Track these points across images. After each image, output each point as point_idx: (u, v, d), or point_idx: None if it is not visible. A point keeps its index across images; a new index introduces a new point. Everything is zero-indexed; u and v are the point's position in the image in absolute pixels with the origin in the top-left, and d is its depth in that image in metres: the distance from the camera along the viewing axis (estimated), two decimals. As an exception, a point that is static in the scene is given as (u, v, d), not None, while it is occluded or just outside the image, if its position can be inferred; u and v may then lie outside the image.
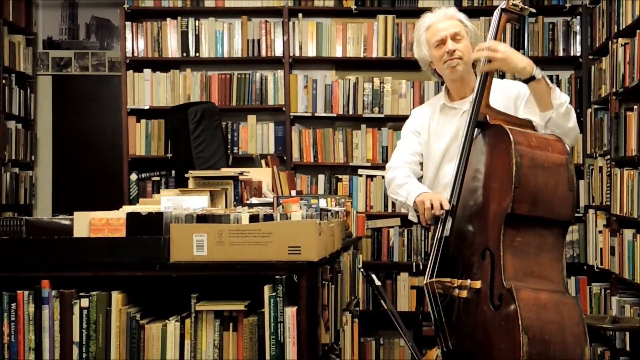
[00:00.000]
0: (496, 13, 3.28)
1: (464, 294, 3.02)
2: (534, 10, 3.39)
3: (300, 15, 6.45)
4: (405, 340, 3.29)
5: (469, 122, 3.17)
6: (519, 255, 2.93)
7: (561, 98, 3.18)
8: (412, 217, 3.46)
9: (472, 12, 5.55)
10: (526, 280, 2.90)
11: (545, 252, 2.98)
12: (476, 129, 3.16)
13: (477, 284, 2.98)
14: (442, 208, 3.15)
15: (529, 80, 3.17)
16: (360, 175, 6.43)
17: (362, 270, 3.66)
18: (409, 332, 3.42)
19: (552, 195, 2.97)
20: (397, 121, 6.50)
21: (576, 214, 6.24)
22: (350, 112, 6.44)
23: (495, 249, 2.93)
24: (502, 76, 5.15)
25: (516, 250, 2.93)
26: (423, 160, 3.58)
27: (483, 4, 6.37)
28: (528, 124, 3.19)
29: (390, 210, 6.40)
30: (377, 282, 3.36)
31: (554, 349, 2.81)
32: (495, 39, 3.23)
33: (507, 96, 3.39)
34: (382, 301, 3.40)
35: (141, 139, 6.48)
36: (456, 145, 3.33)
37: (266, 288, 2.94)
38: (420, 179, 3.59)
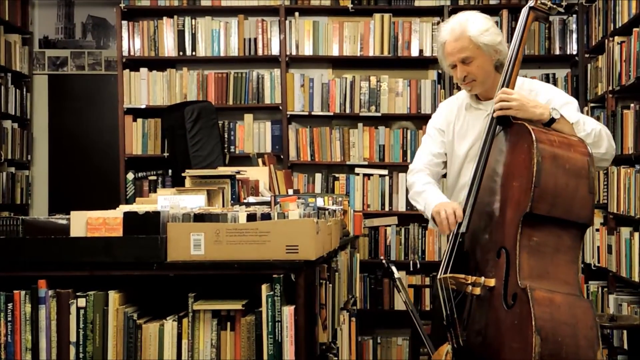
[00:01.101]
0: (524, 11, 3.23)
1: (477, 291, 3.01)
2: (562, 10, 3.35)
3: (296, 14, 6.45)
4: (423, 336, 3.28)
5: (490, 119, 3.14)
6: (535, 255, 2.91)
7: (586, 128, 3.12)
8: (432, 225, 3.46)
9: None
10: (541, 281, 2.88)
11: (562, 253, 2.95)
12: (498, 127, 3.13)
13: (492, 282, 2.96)
14: (456, 218, 3.14)
15: (549, 122, 3.11)
16: (357, 174, 6.43)
17: (384, 261, 3.64)
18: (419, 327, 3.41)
19: (572, 197, 2.94)
20: (394, 120, 6.51)
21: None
22: (347, 110, 6.44)
23: (512, 247, 2.91)
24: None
25: (532, 250, 2.91)
26: (447, 159, 3.56)
27: (479, 3, 6.37)
28: None
29: (387, 208, 6.40)
30: (397, 275, 3.35)
31: (567, 351, 2.79)
32: (522, 37, 3.18)
33: (531, 96, 3.33)
34: (400, 294, 3.40)
35: (138, 138, 6.48)
36: (479, 145, 3.27)
37: (264, 287, 2.94)
38: (445, 176, 3.60)
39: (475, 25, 3.32)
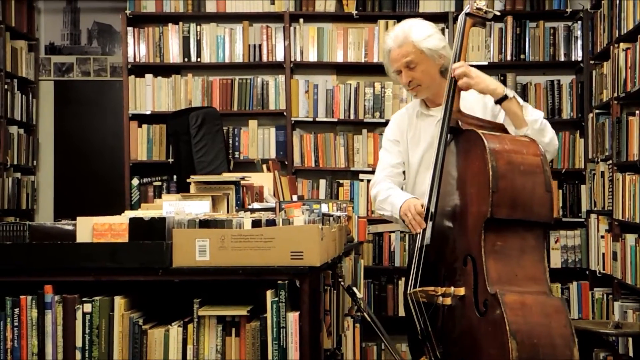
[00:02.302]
0: (461, 18, 3.28)
1: (448, 301, 3.02)
2: (498, 13, 3.40)
3: (301, 20, 6.46)
4: (388, 345, 3.32)
5: (442, 128, 3.17)
6: (501, 260, 2.93)
7: (534, 114, 3.18)
8: (403, 227, 3.46)
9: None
10: (510, 284, 2.89)
11: (527, 254, 2.98)
12: (449, 135, 3.16)
13: (461, 291, 2.97)
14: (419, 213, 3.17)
15: (501, 100, 3.17)
16: (362, 180, 6.44)
17: (342, 283, 3.69)
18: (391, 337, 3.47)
19: (530, 197, 2.97)
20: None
21: (578, 219, 6.26)
22: (352, 116, 6.45)
23: (477, 254, 2.93)
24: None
25: (498, 255, 2.93)
26: (405, 168, 3.58)
27: (484, 9, 6.37)
28: (501, 127, 3.19)
29: (391, 215, 6.40)
30: (359, 295, 3.41)
31: (543, 352, 2.80)
32: (462, 44, 3.22)
33: (475, 96, 3.36)
34: (365, 314, 3.44)
35: (143, 143, 6.49)
36: (432, 152, 3.33)
37: (268, 293, 2.95)
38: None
39: (418, 31, 3.39)
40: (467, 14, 3.25)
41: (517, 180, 2.95)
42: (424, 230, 3.15)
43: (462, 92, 3.22)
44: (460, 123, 3.13)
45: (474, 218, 2.96)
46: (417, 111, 3.52)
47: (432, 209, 3.13)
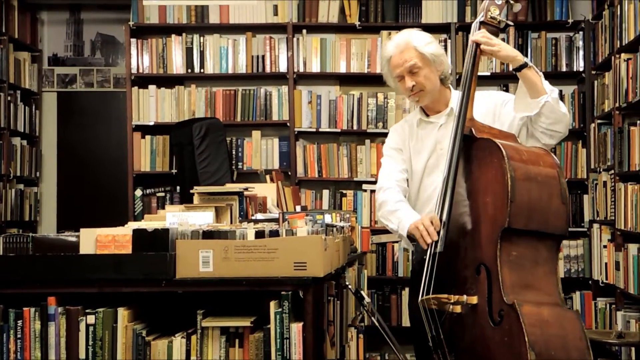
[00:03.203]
0: (474, 26, 3.28)
1: (458, 309, 2.99)
2: (511, 23, 3.42)
3: (304, 31, 6.48)
4: (395, 349, 3.30)
5: (455, 135, 3.13)
6: (516, 270, 2.91)
7: (551, 87, 3.21)
8: (405, 244, 3.45)
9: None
10: (525, 295, 2.88)
11: (541, 265, 2.96)
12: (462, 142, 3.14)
13: (474, 299, 2.96)
14: (434, 226, 3.14)
15: (521, 67, 3.18)
16: (365, 190, 6.44)
17: (349, 287, 3.67)
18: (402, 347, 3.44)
19: (547, 209, 2.96)
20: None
21: (580, 229, 6.26)
22: (355, 127, 6.46)
23: (492, 263, 2.91)
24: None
25: (513, 265, 2.91)
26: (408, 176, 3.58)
27: (486, 20, 6.38)
28: (512, 137, 3.18)
29: (394, 225, 6.40)
30: (367, 300, 3.38)
31: None
32: (476, 51, 3.22)
33: (486, 106, 3.37)
34: (373, 319, 3.41)
35: (146, 154, 6.50)
36: (435, 158, 3.34)
37: (272, 304, 2.95)
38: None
39: (419, 38, 3.41)
40: (481, 22, 3.26)
41: (535, 190, 2.94)
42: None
43: (475, 101, 3.22)
44: (473, 131, 3.12)
45: (490, 227, 2.94)
46: (417, 119, 3.52)
47: (444, 217, 3.11)
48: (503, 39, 6.30)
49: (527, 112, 3.22)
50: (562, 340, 2.83)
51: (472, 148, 3.10)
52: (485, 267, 2.93)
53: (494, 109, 3.37)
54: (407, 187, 3.53)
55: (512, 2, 3.29)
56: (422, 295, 3.07)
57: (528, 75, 3.19)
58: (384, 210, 3.46)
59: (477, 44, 3.21)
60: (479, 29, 3.27)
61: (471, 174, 3.08)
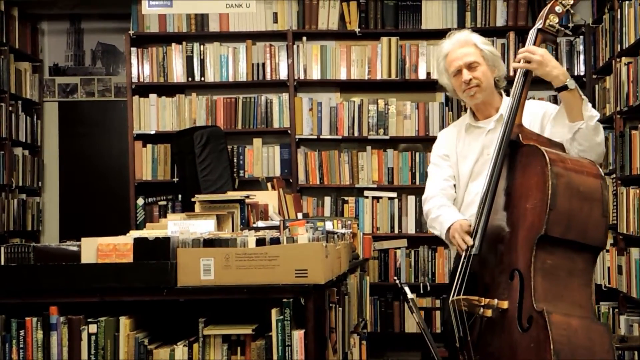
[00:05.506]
0: (532, 33, 3.28)
1: (489, 313, 2.99)
2: (569, 32, 3.42)
3: (304, 38, 6.48)
4: (437, 358, 3.26)
5: (501, 140, 3.13)
6: (549, 278, 2.90)
7: (592, 111, 3.16)
8: (452, 248, 3.45)
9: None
10: (556, 304, 2.87)
11: (576, 277, 2.94)
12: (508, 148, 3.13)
13: (505, 304, 2.95)
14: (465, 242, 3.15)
15: (561, 89, 3.15)
16: (366, 197, 6.44)
17: (397, 281, 3.60)
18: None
19: (586, 220, 2.94)
20: (402, 142, 6.52)
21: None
22: (356, 133, 6.46)
23: (525, 270, 2.90)
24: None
25: (546, 273, 2.90)
26: (455, 182, 3.58)
27: (486, 25, 6.39)
28: (559, 146, 3.16)
29: (396, 231, 6.40)
30: (410, 295, 3.31)
31: None
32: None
33: (534, 115, 3.38)
34: (413, 315, 3.35)
35: (147, 163, 6.51)
36: (481, 163, 3.36)
37: (273, 311, 2.95)
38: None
39: (479, 37, 3.51)
40: (539, 30, 3.26)
41: (575, 200, 2.92)
42: (473, 239, 3.14)
43: (525, 108, 3.20)
44: (520, 137, 3.11)
45: (527, 233, 2.94)
46: (466, 124, 3.54)
47: (482, 221, 3.10)
48: (503, 45, 6.35)
49: (561, 134, 3.19)
50: (588, 352, 2.82)
51: (517, 154, 3.09)
52: (519, 273, 2.92)
53: (542, 119, 3.38)
54: (454, 192, 3.55)
55: (572, 11, 3.28)
56: (453, 296, 3.07)
57: (566, 98, 3.16)
58: (429, 219, 3.51)
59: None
60: (536, 37, 3.27)
61: (514, 179, 3.07)
